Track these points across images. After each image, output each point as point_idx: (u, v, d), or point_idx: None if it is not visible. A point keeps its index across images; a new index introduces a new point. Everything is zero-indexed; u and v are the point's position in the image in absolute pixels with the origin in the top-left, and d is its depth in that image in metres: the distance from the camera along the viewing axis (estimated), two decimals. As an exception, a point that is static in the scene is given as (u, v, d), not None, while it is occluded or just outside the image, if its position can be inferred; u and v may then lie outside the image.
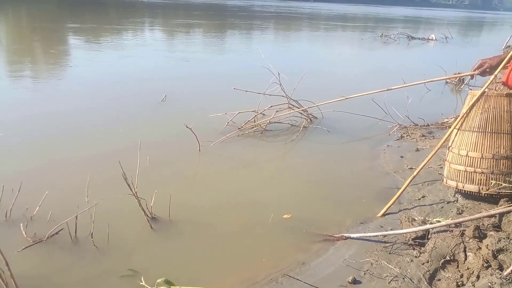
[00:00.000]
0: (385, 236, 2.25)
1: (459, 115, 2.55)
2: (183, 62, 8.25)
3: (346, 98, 3.84)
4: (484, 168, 2.36)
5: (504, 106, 2.38)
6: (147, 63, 7.67)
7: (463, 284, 1.82)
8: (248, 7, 34.82)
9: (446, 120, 4.44)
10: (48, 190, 2.42)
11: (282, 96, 4.43)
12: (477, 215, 2.08)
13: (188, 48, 10.33)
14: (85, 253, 2.10)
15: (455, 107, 4.76)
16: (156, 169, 3.12)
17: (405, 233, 2.18)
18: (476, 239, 1.99)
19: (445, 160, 2.60)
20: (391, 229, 2.29)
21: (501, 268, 1.79)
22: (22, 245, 2.09)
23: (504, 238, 1.91)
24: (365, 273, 1.95)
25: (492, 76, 2.49)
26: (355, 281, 1.90)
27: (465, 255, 1.96)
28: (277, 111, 4.33)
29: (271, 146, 3.91)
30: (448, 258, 1.97)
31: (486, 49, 13.31)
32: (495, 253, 1.84)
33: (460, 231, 2.08)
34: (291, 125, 4.35)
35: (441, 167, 3.02)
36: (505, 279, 1.62)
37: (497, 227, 2.09)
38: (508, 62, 2.45)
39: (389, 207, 2.53)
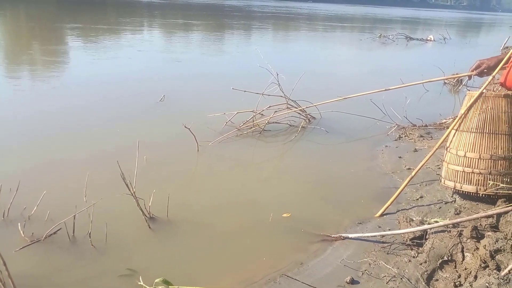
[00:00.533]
0: (383, 236, 2.25)
1: (457, 116, 2.55)
2: (181, 62, 8.25)
3: (344, 98, 3.85)
4: (482, 169, 2.37)
5: (502, 107, 2.38)
6: (145, 63, 7.66)
7: (460, 285, 1.83)
8: (245, 7, 34.84)
9: (444, 120, 4.45)
10: (46, 190, 2.41)
11: (281, 96, 4.43)
12: (475, 216, 2.09)
13: (186, 48, 10.33)
14: (83, 253, 2.10)
15: (453, 108, 4.77)
16: (154, 169, 3.12)
17: (403, 233, 2.19)
18: (474, 240, 1.99)
19: (443, 160, 2.61)
20: (389, 229, 2.30)
21: (498, 269, 1.79)
22: (19, 245, 2.09)
23: (501, 239, 1.91)
24: (363, 273, 1.95)
25: (490, 77, 2.50)
26: (353, 281, 1.90)
27: (463, 255, 1.96)
28: (275, 111, 4.33)
29: (270, 146, 3.92)
30: (446, 258, 1.98)
31: (485, 50, 13.35)
32: (493, 253, 1.85)
33: (458, 231, 2.08)
34: (290, 125, 4.35)
35: (439, 168, 3.03)
36: (502, 279, 1.63)
37: (495, 228, 2.09)
38: (506, 63, 2.46)
39: (387, 207, 2.53)
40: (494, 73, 2.50)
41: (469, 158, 2.40)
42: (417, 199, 2.69)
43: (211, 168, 3.30)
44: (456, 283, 1.84)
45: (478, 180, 2.39)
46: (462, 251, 1.97)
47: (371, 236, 2.26)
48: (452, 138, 2.52)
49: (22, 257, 2.03)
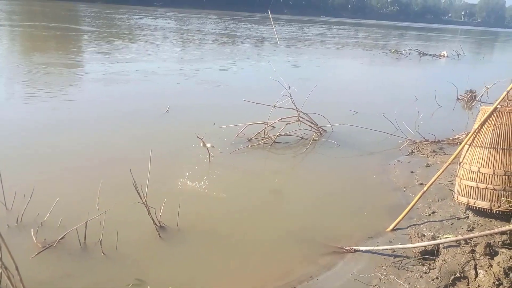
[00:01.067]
0: (394, 250, 2.22)
1: (470, 131, 2.53)
2: (194, 74, 8.35)
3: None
4: (496, 185, 2.34)
5: (517, 123, 2.36)
6: (155, 76, 7.78)
7: (473, 302, 1.79)
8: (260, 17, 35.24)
9: (457, 136, 4.40)
10: (59, 197, 2.45)
11: (293, 109, 4.45)
12: (488, 232, 2.06)
13: (199, 62, 10.45)
14: (93, 260, 2.12)
15: (466, 124, 4.72)
16: (166, 178, 3.14)
17: (414, 247, 2.16)
18: (487, 256, 1.96)
19: (456, 176, 2.58)
20: (401, 244, 2.27)
21: (513, 287, 1.76)
22: (32, 250, 2.11)
23: (516, 256, 1.88)
24: (373, 288, 1.93)
25: (504, 93, 2.48)
26: (363, 296, 1.87)
27: (476, 272, 1.93)
28: (287, 123, 4.35)
29: (281, 158, 3.92)
30: (458, 275, 1.94)
31: (499, 67, 13.25)
32: (507, 270, 1.81)
33: (471, 247, 2.05)
34: (301, 138, 4.36)
35: (452, 183, 3.00)
36: (517, 297, 1.59)
37: (509, 245, 2.06)
38: None
39: (399, 222, 2.51)
40: (508, 89, 2.48)
41: (483, 174, 2.37)
42: (429, 215, 2.66)
43: (223, 179, 3.31)
44: (469, 301, 1.80)
45: (492, 196, 2.35)
46: (475, 268, 1.94)
47: (382, 250, 2.24)
48: (466, 153, 2.49)
49: (33, 262, 2.05)
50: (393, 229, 2.50)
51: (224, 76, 8.36)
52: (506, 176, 2.32)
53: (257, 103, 4.43)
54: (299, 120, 4.46)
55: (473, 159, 2.43)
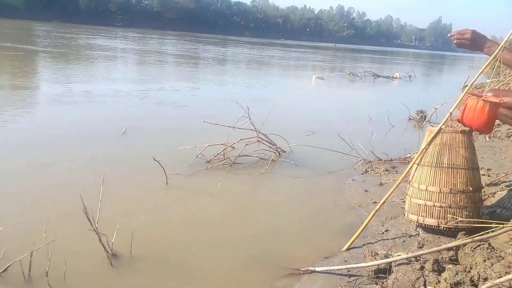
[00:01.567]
0: (349, 270, 2.25)
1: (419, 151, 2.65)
2: (152, 95, 8.26)
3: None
4: (442, 202, 2.44)
5: (460, 142, 2.50)
6: (109, 97, 7.63)
7: (424, 318, 1.84)
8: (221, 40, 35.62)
9: (408, 155, 4.59)
10: (2, 227, 2.31)
11: (252, 129, 4.49)
12: (436, 248, 2.14)
13: (157, 83, 10.37)
14: (38, 293, 2.00)
15: (417, 143, 4.93)
16: (119, 203, 3.05)
17: (368, 266, 2.20)
18: (435, 273, 2.03)
19: (406, 194, 2.68)
20: (355, 263, 2.30)
21: (459, 302, 1.82)
22: (-31, 285, 1.96)
23: (461, 271, 1.96)
24: (328, 309, 1.94)
25: (448, 114, 2.62)
26: (318, 318, 1.88)
27: (426, 288, 1.99)
28: (246, 144, 4.38)
29: (240, 179, 3.92)
30: (409, 292, 2.00)
31: (446, 88, 14.08)
32: (453, 286, 1.88)
33: (420, 264, 2.12)
34: (260, 158, 4.39)
35: (404, 201, 3.10)
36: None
37: (455, 260, 2.14)
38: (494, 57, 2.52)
39: (353, 241, 2.55)
40: (451, 110, 2.63)
41: (430, 192, 2.47)
42: (383, 233, 2.73)
43: (180, 202, 3.25)
44: (420, 317, 1.85)
45: (439, 213, 2.45)
46: (425, 285, 2.00)
47: (338, 270, 2.26)
48: (414, 172, 2.60)
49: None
50: (348, 249, 2.54)
51: (183, 97, 8.33)
52: (452, 194, 2.44)
53: (216, 124, 4.44)
54: (258, 141, 4.50)
55: (421, 178, 2.53)
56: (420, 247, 2.44)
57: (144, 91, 8.26)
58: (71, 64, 12.69)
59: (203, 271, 2.30)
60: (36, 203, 2.96)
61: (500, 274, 1.87)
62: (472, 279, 1.93)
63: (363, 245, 2.58)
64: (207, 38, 46.97)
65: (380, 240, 2.63)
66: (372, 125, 5.92)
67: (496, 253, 2.06)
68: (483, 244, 2.10)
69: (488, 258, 2.00)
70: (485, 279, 1.90)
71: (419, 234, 2.65)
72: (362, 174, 4.07)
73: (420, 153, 2.59)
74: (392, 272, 2.16)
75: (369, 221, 2.60)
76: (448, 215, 2.41)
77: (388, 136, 5.71)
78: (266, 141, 4.53)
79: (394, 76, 15.75)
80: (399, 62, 30.96)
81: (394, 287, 2.02)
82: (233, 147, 4.40)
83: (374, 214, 2.59)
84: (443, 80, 20.21)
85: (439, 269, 2.06)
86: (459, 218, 2.36)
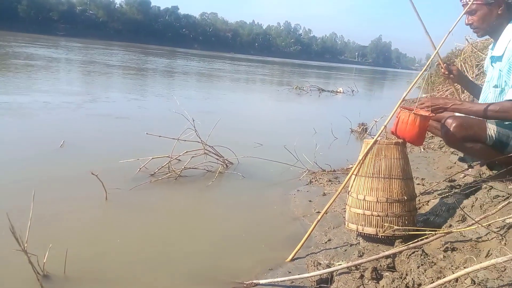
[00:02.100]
0: (292, 281, 2.26)
1: (358, 162, 2.74)
2: (93, 107, 7.94)
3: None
4: (379, 211, 2.54)
5: (394, 154, 2.63)
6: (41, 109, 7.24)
7: (363, 326, 1.88)
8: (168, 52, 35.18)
9: (350, 166, 4.75)
10: None
11: (198, 142, 4.44)
12: (374, 257, 2.21)
13: (99, 94, 10.00)
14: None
15: (359, 154, 5.14)
16: (53, 220, 2.86)
17: (310, 276, 2.23)
18: (374, 281, 2.09)
19: (346, 204, 2.76)
20: (298, 274, 2.32)
21: (395, 307, 1.88)
22: None
23: (397, 278, 2.03)
24: (271, 322, 1.93)
25: (382, 127, 2.75)
26: (261, 331, 1.86)
27: (365, 296, 2.04)
28: (192, 156, 4.32)
29: (185, 193, 3.84)
30: (349, 300, 2.04)
31: (386, 102, 14.84)
32: (390, 293, 1.95)
33: (360, 273, 2.18)
34: (207, 170, 4.34)
35: (345, 211, 3.19)
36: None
37: (392, 268, 2.23)
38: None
39: (297, 251, 2.58)
40: (385, 123, 2.76)
41: (368, 201, 2.56)
42: (325, 242, 2.78)
43: (120, 218, 3.12)
44: (359, 325, 1.89)
45: (377, 222, 2.55)
46: (364, 292, 2.05)
47: (281, 282, 2.26)
48: (353, 183, 2.69)
49: None
50: (292, 259, 2.56)
51: (126, 109, 8.09)
52: (388, 203, 2.54)
53: (160, 136, 4.34)
54: (205, 153, 4.46)
55: (359, 188, 2.63)
56: (361, 256, 2.51)
57: (78, 103, 7.84)
58: (17, 74, 11.85)
59: (143, 290, 2.20)
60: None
61: (432, 279, 1.96)
62: (408, 285, 2.02)
63: (307, 255, 2.61)
64: (155, 49, 46.23)
65: (323, 250, 2.67)
66: (317, 137, 6.09)
67: (429, 259, 2.17)
68: (417, 251, 2.21)
69: (422, 264, 2.10)
70: (419, 285, 1.98)
71: (359, 243, 2.73)
72: (307, 184, 4.15)
73: (358, 164, 2.69)
74: (334, 281, 2.20)
75: (311, 231, 2.64)
76: (386, 224, 2.50)
77: (332, 148, 5.89)
78: (213, 153, 4.49)
79: (338, 90, 16.39)
80: (343, 77, 32.27)
81: (335, 296, 2.05)
82: (179, 160, 4.32)
83: (316, 224, 2.64)
84: (384, 94, 21.32)
85: (377, 277, 2.13)
86: (395, 227, 2.46)
